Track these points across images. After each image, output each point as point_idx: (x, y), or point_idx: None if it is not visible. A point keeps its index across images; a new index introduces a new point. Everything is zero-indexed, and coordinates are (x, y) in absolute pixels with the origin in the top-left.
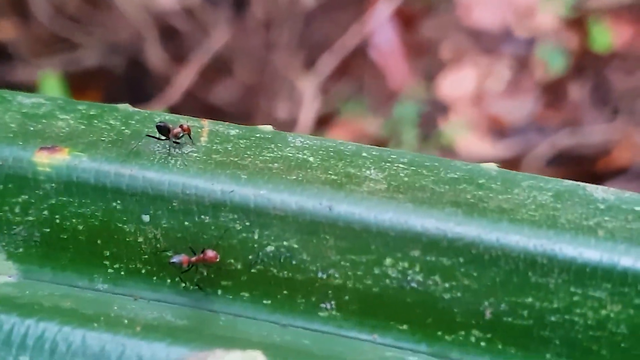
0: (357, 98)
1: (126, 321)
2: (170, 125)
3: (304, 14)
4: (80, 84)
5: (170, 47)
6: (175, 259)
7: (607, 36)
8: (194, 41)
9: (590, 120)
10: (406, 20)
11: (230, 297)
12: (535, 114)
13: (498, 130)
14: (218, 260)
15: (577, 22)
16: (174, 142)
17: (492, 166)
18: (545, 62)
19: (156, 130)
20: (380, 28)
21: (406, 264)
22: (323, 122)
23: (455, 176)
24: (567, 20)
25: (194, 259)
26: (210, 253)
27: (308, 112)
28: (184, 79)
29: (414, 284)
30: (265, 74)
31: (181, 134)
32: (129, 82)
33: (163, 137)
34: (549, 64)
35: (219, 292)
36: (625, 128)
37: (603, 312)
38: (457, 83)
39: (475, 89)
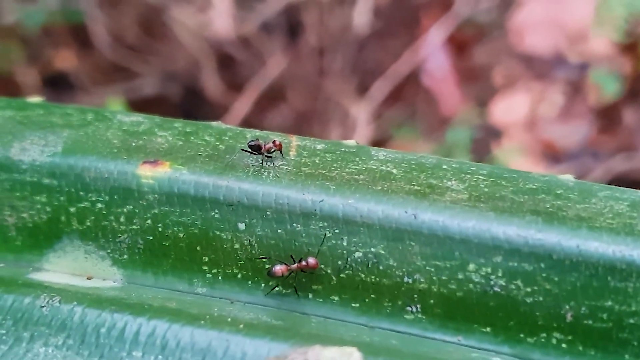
0: (410, 123)
1: (229, 319)
2: (262, 142)
3: (357, 40)
4: (138, 112)
5: (227, 75)
6: (275, 269)
7: None
8: (250, 69)
9: None
10: (458, 46)
11: (321, 300)
12: (589, 139)
13: (552, 155)
14: (318, 266)
15: (631, 47)
16: (267, 156)
17: (569, 177)
18: (598, 87)
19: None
20: (432, 54)
21: (489, 269)
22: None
23: (534, 187)
24: (620, 44)
25: (294, 266)
26: (312, 260)
27: (361, 138)
28: (242, 106)
29: (496, 289)
30: (318, 100)
31: (273, 149)
32: (186, 110)
33: (256, 153)
34: (603, 88)
35: (310, 295)
36: None
37: None
38: (510, 108)
39: (528, 114)
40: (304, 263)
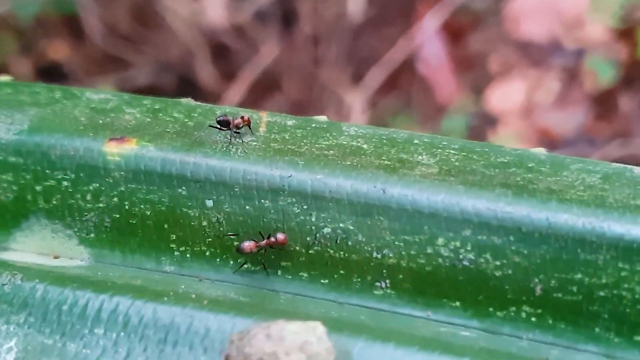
0: (406, 111)
1: (194, 296)
2: (231, 118)
3: (352, 29)
4: None
5: (220, 64)
6: (244, 246)
7: None
8: (244, 58)
9: None
10: (454, 33)
11: (290, 277)
12: (585, 125)
13: (548, 142)
14: (287, 242)
15: (627, 33)
16: (235, 132)
17: (541, 150)
18: (594, 73)
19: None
20: (428, 42)
21: (458, 243)
22: None
23: (505, 160)
24: (616, 30)
25: (263, 242)
26: (280, 236)
27: None
28: (234, 94)
29: (465, 263)
30: (313, 88)
31: (241, 125)
32: None
33: (224, 129)
34: (599, 75)
35: (279, 272)
36: None
37: None
38: (506, 95)
39: (525, 101)
40: (272, 239)
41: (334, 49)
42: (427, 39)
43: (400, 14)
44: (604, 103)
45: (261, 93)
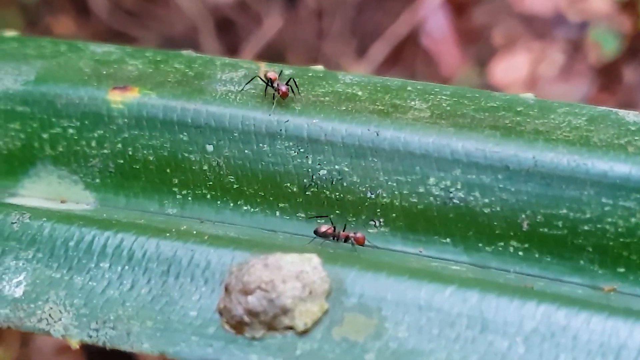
0: None
1: (195, 232)
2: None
3: (356, 2)
4: None
5: (225, 38)
6: (320, 229)
7: None
8: (248, 32)
9: None
10: (458, 6)
11: (287, 217)
12: (589, 96)
13: None
14: (364, 242)
15: (630, 4)
16: (271, 86)
17: (530, 95)
18: (598, 45)
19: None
20: (431, 15)
21: (448, 182)
22: None
23: (495, 105)
24: (619, 2)
25: (342, 234)
26: (360, 235)
27: None
28: None
29: (456, 201)
30: (318, 62)
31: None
32: None
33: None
34: (602, 46)
35: (277, 213)
36: None
37: (633, 220)
38: (510, 68)
39: (529, 73)
40: (352, 234)
41: (338, 23)
42: (431, 12)
43: None
44: (607, 74)
45: None
